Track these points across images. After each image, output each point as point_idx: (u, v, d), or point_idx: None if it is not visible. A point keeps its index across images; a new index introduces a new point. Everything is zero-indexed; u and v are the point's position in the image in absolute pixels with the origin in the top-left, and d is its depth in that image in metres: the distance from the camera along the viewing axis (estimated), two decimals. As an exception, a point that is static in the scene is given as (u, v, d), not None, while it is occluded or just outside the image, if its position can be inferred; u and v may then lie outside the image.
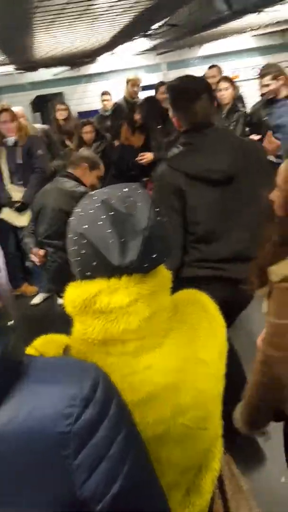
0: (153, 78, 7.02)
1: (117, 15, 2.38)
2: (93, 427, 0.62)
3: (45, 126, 5.21)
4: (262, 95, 3.98)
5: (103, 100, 6.28)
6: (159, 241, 0.83)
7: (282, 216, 1.29)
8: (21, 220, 3.87)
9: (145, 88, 6.30)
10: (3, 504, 0.59)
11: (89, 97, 7.95)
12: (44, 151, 4.02)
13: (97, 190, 0.90)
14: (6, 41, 3.02)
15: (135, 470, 0.65)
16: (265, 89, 3.93)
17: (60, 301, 3.92)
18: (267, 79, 3.84)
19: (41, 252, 2.93)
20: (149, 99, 4.48)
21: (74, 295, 0.84)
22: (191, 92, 1.86)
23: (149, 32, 4.00)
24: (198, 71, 5.94)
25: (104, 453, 0.63)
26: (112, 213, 0.81)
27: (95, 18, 2.40)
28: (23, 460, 0.59)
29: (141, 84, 6.23)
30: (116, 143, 4.41)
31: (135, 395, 0.81)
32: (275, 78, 3.80)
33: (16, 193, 3.92)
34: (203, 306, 0.95)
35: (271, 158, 2.18)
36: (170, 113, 2.01)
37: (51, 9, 2.07)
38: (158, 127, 4.15)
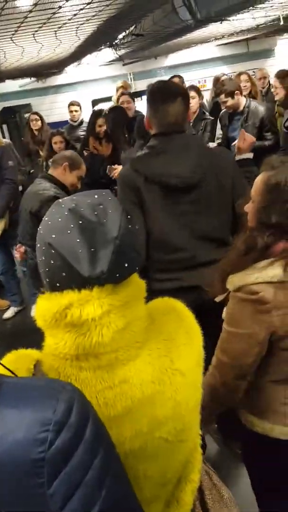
0: (120, 88, 7.05)
1: (81, 24, 2.37)
2: (68, 453, 0.59)
3: (8, 141, 5.14)
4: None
5: (71, 111, 6.26)
6: (131, 249, 0.80)
7: (252, 227, 1.31)
8: None
9: (111, 98, 6.32)
10: None
11: (57, 108, 7.91)
12: (14, 162, 3.95)
13: (65, 198, 0.87)
14: None
15: (113, 493, 0.62)
16: (223, 106, 4.07)
17: (33, 312, 3.84)
18: (222, 97, 3.96)
19: (22, 249, 3.12)
20: (113, 108, 4.47)
21: (44, 309, 0.81)
22: (166, 94, 1.85)
23: (114, 42, 4.01)
24: (164, 80, 5.99)
25: (80, 479, 0.59)
26: (81, 221, 0.78)
27: (59, 27, 2.39)
28: None
29: (108, 95, 6.25)
30: (85, 153, 4.40)
31: (111, 410, 0.78)
32: (230, 95, 3.91)
33: None
34: (179, 315, 0.93)
35: (246, 155, 2.18)
36: (145, 116, 2.01)
37: (14, 17, 2.04)
38: (125, 136, 4.15)
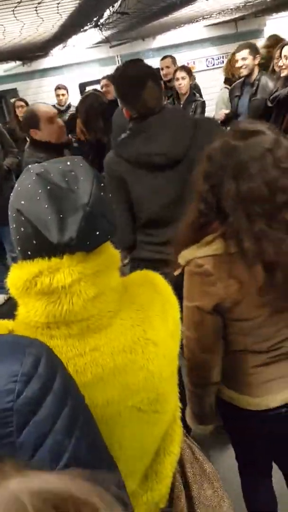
0: (108, 71, 6.95)
1: (61, -1, 2.31)
2: (37, 403, 0.60)
3: None
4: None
5: (57, 95, 6.16)
6: (102, 217, 0.78)
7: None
8: None
9: (99, 81, 6.22)
10: None
11: (44, 92, 7.78)
12: None
13: (36, 164, 0.84)
14: None
15: (83, 441, 0.63)
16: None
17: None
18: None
19: None
20: (84, 99, 4.20)
21: (15, 277, 0.79)
22: (135, 81, 1.79)
23: (99, 22, 3.93)
24: (152, 62, 5.89)
25: (49, 428, 0.60)
26: (49, 187, 0.76)
27: (39, 3, 2.32)
28: None
29: (95, 78, 6.14)
30: (72, 138, 4.31)
31: (82, 377, 0.77)
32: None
33: None
34: (155, 287, 0.92)
35: None
36: (120, 105, 1.96)
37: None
38: (101, 125, 3.97)
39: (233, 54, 4.56)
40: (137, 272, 0.97)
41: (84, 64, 7.82)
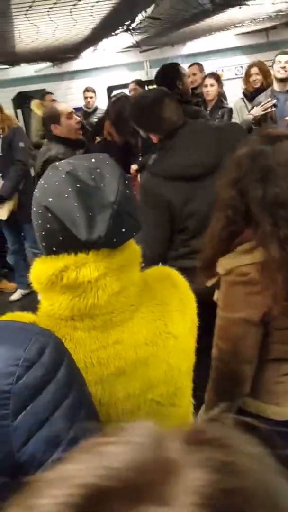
0: (136, 76, 7.00)
1: (96, 1, 2.34)
2: (36, 389, 0.61)
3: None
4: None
5: (85, 97, 6.23)
6: (128, 215, 0.80)
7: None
8: (2, 213, 3.79)
9: (127, 86, 6.27)
10: None
11: (72, 93, 7.87)
12: (26, 143, 3.93)
13: (62, 161, 0.85)
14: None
15: (81, 437, 0.63)
16: None
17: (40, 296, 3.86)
18: None
19: None
20: (116, 100, 4.28)
21: (39, 271, 0.81)
22: (152, 105, 1.85)
23: (131, 26, 3.96)
24: (181, 68, 5.93)
25: (47, 417, 0.61)
26: (78, 185, 0.78)
27: (74, 5, 2.36)
28: None
29: (124, 82, 6.19)
30: (98, 139, 4.34)
31: (104, 370, 0.78)
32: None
33: None
34: (173, 282, 0.93)
35: None
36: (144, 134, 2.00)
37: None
38: (131, 127, 4.03)
39: (250, 66, 4.60)
40: (154, 268, 0.99)
41: (113, 67, 7.90)
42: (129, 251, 0.83)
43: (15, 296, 4.18)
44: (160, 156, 1.90)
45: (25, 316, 0.89)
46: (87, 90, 6.28)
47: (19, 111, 7.88)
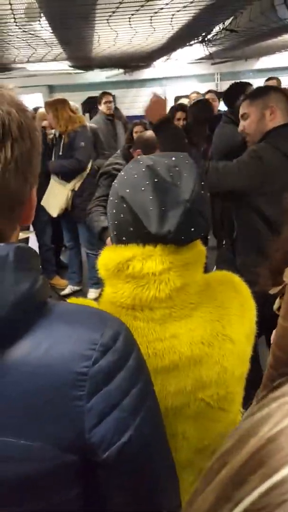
0: (205, 87, 7.02)
1: (177, 10, 2.38)
2: (110, 374, 0.62)
3: (94, 125, 5.28)
4: None
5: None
6: (200, 215, 0.82)
7: None
8: (54, 210, 3.90)
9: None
10: (16, 433, 0.59)
11: (140, 102, 8.01)
12: (87, 143, 3.95)
13: (144, 156, 0.88)
14: (65, 33, 3.07)
15: (146, 424, 0.64)
16: None
17: (91, 295, 3.94)
18: None
19: None
20: (197, 102, 4.43)
21: (107, 258, 0.84)
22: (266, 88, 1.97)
23: (207, 37, 3.99)
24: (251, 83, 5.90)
25: (118, 402, 0.62)
26: (156, 180, 0.80)
27: (155, 12, 2.41)
28: (37, 393, 0.59)
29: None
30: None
31: (159, 362, 0.79)
32: None
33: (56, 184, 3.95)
34: (235, 287, 0.93)
35: None
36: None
37: (113, 0, 2.09)
38: (205, 131, 4.09)
39: None
40: (217, 272, 0.99)
41: (183, 78, 7.97)
42: (195, 250, 0.85)
43: (65, 291, 4.28)
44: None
45: (88, 302, 0.91)
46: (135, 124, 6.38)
47: (87, 115, 8.12)
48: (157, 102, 2.09)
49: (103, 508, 0.67)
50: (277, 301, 1.29)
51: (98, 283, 3.81)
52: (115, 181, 0.87)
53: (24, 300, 0.59)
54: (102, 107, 5.59)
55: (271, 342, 1.44)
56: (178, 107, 4.35)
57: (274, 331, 1.47)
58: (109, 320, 0.66)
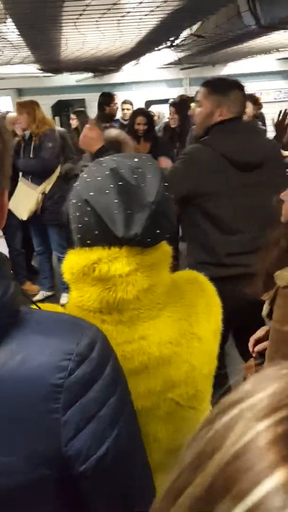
0: (174, 92, 7.09)
1: (145, 14, 2.40)
2: (86, 385, 0.60)
3: (62, 129, 5.23)
4: None
5: (123, 109, 6.34)
6: (165, 216, 0.81)
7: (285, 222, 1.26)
8: (23, 213, 3.83)
9: (166, 101, 6.37)
10: None
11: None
12: (54, 145, 3.87)
13: (107, 157, 0.87)
14: (33, 35, 3.04)
15: (124, 435, 0.63)
16: None
17: (63, 300, 3.89)
18: None
19: None
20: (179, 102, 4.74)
21: (73, 262, 0.83)
22: (228, 83, 1.99)
23: (175, 42, 4.03)
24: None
25: (95, 413, 0.60)
26: (121, 183, 0.79)
27: (122, 16, 2.42)
28: (11, 405, 0.57)
29: (162, 97, 6.31)
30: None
31: (128, 364, 0.79)
32: None
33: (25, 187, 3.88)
34: (200, 285, 0.94)
35: None
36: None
37: (79, 3, 2.08)
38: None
39: None
40: (183, 271, 1.00)
41: (152, 83, 8.02)
42: (161, 251, 0.84)
43: (38, 297, 4.22)
44: (220, 134, 1.91)
45: (55, 307, 0.90)
46: (125, 102, 6.40)
47: (57, 118, 8.06)
48: (92, 131, 2.07)
49: None
50: (266, 306, 1.28)
51: (70, 287, 3.77)
52: (77, 183, 0.85)
53: None
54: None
55: (252, 346, 1.44)
56: (138, 112, 4.38)
57: (256, 334, 1.47)
58: (85, 329, 0.64)
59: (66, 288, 4.34)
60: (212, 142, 1.89)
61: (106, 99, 5.55)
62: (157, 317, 0.83)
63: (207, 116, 1.94)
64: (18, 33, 2.85)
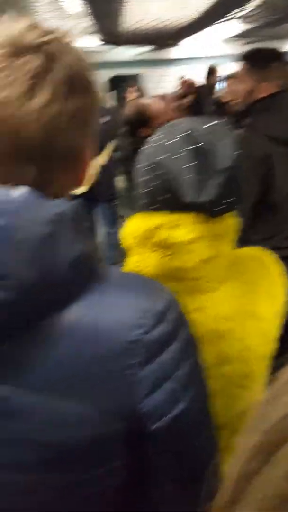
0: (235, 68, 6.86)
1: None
2: (164, 344, 0.59)
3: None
4: None
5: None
6: (236, 186, 0.78)
7: None
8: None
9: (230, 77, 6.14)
10: (66, 397, 0.56)
11: (166, 81, 7.88)
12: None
13: (181, 119, 0.83)
14: (96, 4, 3.00)
15: (199, 397, 0.62)
16: None
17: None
18: None
19: None
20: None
21: (135, 225, 0.80)
22: (272, 54, 1.86)
23: (242, 13, 3.86)
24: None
25: (171, 373, 0.59)
26: (195, 147, 0.75)
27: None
28: (89, 359, 0.57)
29: (225, 74, 6.09)
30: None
31: None
32: None
33: None
34: (265, 264, 0.89)
35: None
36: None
37: None
38: None
39: None
40: (248, 248, 0.95)
41: (213, 58, 7.79)
42: (227, 222, 0.80)
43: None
44: (264, 114, 1.80)
45: None
46: (181, 79, 6.25)
47: (113, 92, 8.04)
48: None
49: (145, 482, 0.64)
50: None
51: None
52: (147, 145, 0.82)
53: (80, 261, 0.56)
54: None
55: None
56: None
57: None
58: (162, 291, 0.63)
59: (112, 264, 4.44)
60: (256, 125, 1.79)
61: None
62: (216, 290, 0.80)
63: (247, 93, 1.84)
64: (81, 2, 2.82)
